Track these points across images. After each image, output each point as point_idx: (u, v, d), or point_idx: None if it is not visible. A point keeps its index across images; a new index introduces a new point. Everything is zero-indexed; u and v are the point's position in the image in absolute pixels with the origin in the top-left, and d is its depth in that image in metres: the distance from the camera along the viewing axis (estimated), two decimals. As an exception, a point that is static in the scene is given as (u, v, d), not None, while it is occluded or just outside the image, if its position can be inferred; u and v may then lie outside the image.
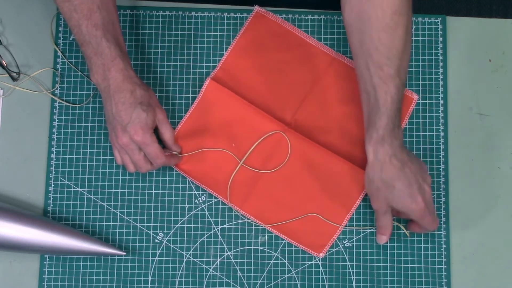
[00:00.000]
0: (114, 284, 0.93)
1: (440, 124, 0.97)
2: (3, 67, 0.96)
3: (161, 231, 0.94)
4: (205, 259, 0.94)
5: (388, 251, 0.94)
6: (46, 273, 0.93)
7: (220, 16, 0.99)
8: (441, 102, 0.97)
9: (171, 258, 0.94)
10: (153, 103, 0.88)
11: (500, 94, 0.98)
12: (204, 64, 0.98)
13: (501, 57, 0.99)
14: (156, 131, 0.90)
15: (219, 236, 0.94)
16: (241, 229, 0.94)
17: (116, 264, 0.93)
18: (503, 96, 0.98)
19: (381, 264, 0.93)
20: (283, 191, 0.94)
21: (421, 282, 0.93)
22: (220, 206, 0.95)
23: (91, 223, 0.94)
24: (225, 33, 0.99)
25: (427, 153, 0.96)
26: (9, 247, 0.88)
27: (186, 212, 0.95)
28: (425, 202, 0.86)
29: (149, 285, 0.93)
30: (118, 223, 0.94)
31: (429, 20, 0.99)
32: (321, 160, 0.94)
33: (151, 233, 0.94)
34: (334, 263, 0.93)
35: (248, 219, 0.94)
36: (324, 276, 0.93)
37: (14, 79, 0.97)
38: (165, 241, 0.94)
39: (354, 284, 0.93)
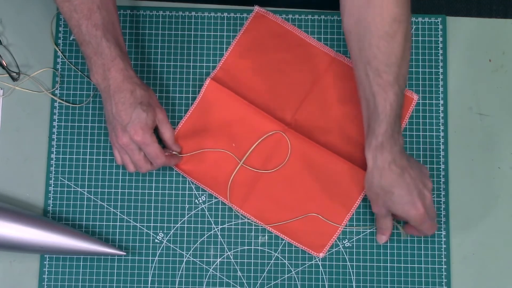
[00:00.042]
0: (114, 284, 0.93)
1: (440, 124, 0.97)
2: (3, 67, 0.96)
3: (161, 231, 0.94)
4: (205, 259, 0.94)
5: (388, 251, 0.94)
6: (46, 273, 0.93)
7: (220, 16, 0.99)
8: (441, 102, 0.97)
9: (171, 258, 0.94)
10: (153, 103, 0.88)
11: (500, 94, 0.98)
12: (204, 64, 0.98)
13: (501, 57, 0.99)
14: (156, 131, 0.90)
15: (219, 236, 0.94)
16: (241, 229, 0.94)
17: (116, 264, 0.93)
18: (503, 96, 0.98)
19: (381, 264, 0.93)
20: (283, 191, 0.94)
21: (421, 282, 0.93)
22: (220, 206, 0.95)
23: (91, 223, 0.94)
24: (225, 33, 0.99)
25: (427, 153, 0.96)
26: (9, 247, 0.88)
27: (186, 212, 0.95)
28: (425, 208, 0.86)
29: (149, 285, 0.93)
30: (118, 223, 0.94)
31: (429, 20, 0.99)
32: (321, 160, 0.94)
33: (151, 233, 0.94)
34: (334, 263, 0.93)
35: (248, 219, 0.94)
36: (324, 276, 0.93)
37: (14, 79, 0.97)
38: (165, 241, 0.94)
39: (354, 284, 0.93)
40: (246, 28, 0.99)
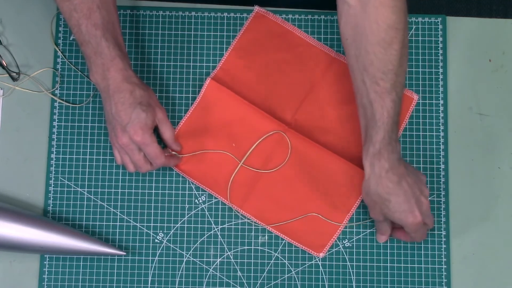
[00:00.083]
0: (114, 284, 0.93)
1: (440, 124, 0.97)
2: (3, 67, 0.96)
3: (161, 231, 0.94)
4: (205, 259, 0.94)
5: (388, 251, 0.94)
6: (46, 273, 0.93)
7: (220, 16, 0.99)
8: (441, 102, 0.97)
9: (171, 258, 0.94)
10: (152, 103, 0.88)
11: (500, 94, 0.98)
12: (204, 64, 0.98)
13: (501, 57, 0.99)
14: (156, 131, 0.90)
15: (219, 236, 0.94)
16: (241, 229, 0.94)
17: (116, 264, 0.93)
18: (503, 96, 0.98)
19: (381, 264, 0.93)
20: (283, 191, 0.94)
21: (421, 282, 0.93)
22: (220, 206, 0.95)
23: (91, 223, 0.94)
24: (225, 33, 0.99)
25: (427, 153, 0.96)
26: (9, 247, 0.88)
27: (186, 212, 0.95)
28: (422, 215, 0.86)
29: (149, 285, 0.93)
30: (118, 223, 0.94)
31: (429, 20, 0.99)
32: (321, 160, 0.94)
33: (151, 233, 0.94)
34: (334, 263, 0.93)
35: (248, 219, 0.94)
36: (324, 276, 0.93)
37: (14, 79, 0.97)
38: (165, 241, 0.94)
39: (354, 284, 0.93)
40: (246, 28, 0.99)
